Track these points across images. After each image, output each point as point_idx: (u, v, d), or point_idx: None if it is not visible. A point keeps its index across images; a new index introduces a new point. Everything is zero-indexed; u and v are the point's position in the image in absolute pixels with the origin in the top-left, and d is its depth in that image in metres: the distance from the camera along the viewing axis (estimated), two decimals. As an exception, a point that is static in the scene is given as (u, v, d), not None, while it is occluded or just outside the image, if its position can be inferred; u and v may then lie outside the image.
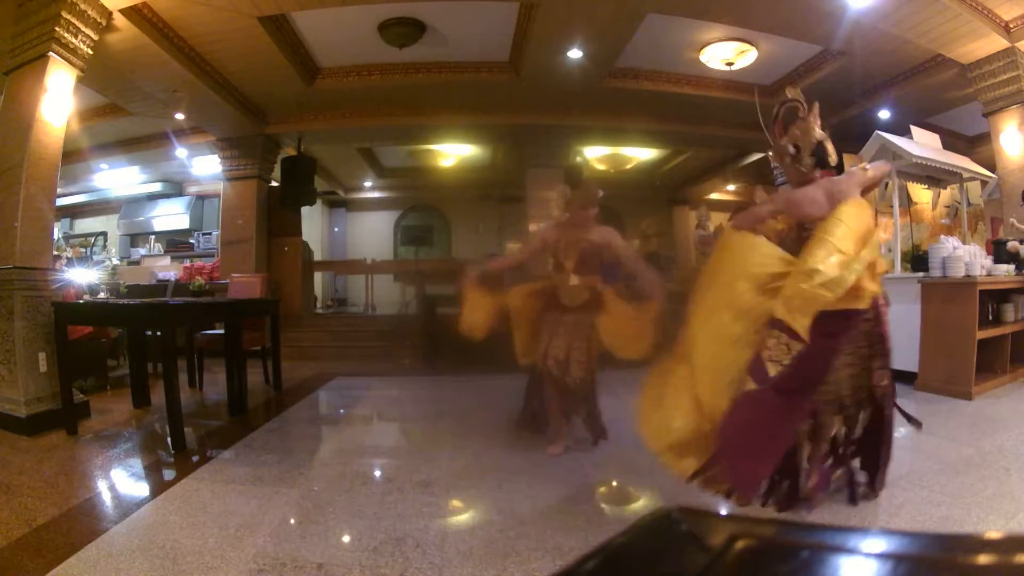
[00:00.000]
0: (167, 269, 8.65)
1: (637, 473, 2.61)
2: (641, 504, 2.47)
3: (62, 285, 3.99)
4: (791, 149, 2.27)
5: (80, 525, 2.09)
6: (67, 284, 4.36)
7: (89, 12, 3.85)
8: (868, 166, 2.39)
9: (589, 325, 2.98)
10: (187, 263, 8.71)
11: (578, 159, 3.18)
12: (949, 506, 2.16)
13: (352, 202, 11.69)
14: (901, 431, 3.43)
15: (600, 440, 3.07)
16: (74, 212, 10.19)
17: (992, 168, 5.22)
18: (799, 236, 2.19)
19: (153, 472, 2.81)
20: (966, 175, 5.06)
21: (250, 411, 3.97)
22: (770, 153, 2.74)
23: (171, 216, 9.70)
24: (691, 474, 2.08)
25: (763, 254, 2.06)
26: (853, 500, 2.21)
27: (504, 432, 3.38)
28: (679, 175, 10.39)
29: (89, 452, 3.04)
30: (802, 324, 1.89)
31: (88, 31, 3.88)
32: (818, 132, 2.28)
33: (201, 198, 9.75)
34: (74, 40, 3.78)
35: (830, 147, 2.28)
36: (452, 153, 9.05)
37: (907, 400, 3.94)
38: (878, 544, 0.34)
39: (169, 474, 2.73)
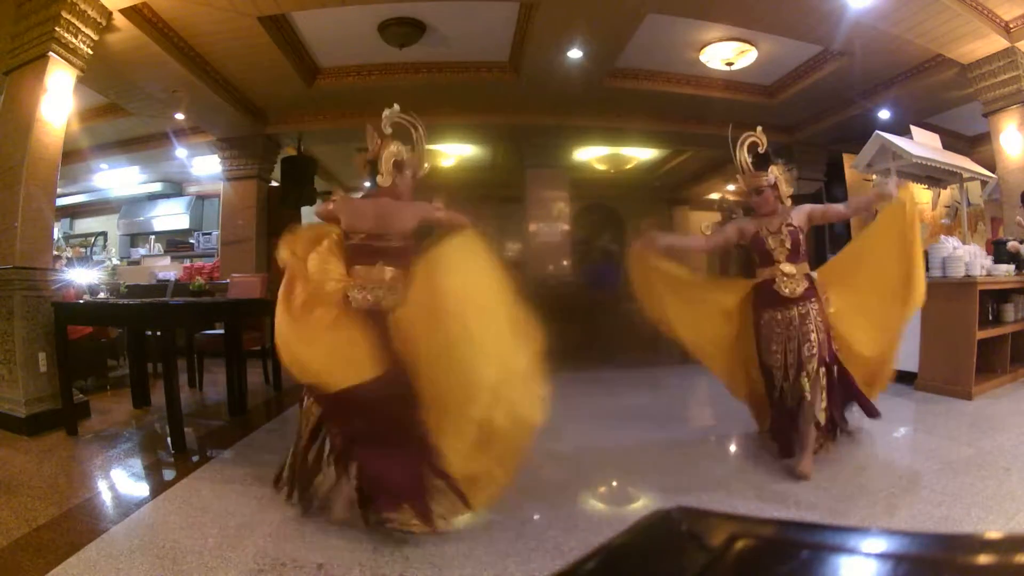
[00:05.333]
0: (167, 269, 8.64)
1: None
2: (641, 504, 2.47)
3: (62, 285, 3.99)
4: None
5: (80, 525, 2.09)
6: (67, 284, 4.36)
7: (89, 12, 3.84)
8: None
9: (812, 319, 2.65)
10: (187, 263, 8.70)
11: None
12: (949, 506, 2.15)
13: (352, 202, 11.67)
14: (900, 430, 3.45)
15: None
16: (74, 212, 10.18)
17: (992, 168, 5.21)
18: None
19: (153, 472, 2.81)
20: (966, 175, 5.07)
21: (250, 411, 3.97)
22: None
23: (171, 216, 9.69)
24: None
25: None
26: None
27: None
28: (679, 175, 10.39)
29: (89, 452, 3.04)
30: None
31: (88, 31, 3.88)
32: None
33: (201, 198, 9.74)
34: (74, 40, 3.78)
35: None
36: (452, 153, 9.04)
37: (907, 400, 3.96)
38: (878, 544, 0.34)
39: (169, 474, 2.73)
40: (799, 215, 2.81)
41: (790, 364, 2.63)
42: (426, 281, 2.09)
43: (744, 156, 2.92)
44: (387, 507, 1.94)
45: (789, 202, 2.85)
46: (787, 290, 2.70)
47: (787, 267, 2.72)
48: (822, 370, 2.60)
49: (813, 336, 2.61)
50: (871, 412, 2.79)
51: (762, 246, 2.78)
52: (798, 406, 2.62)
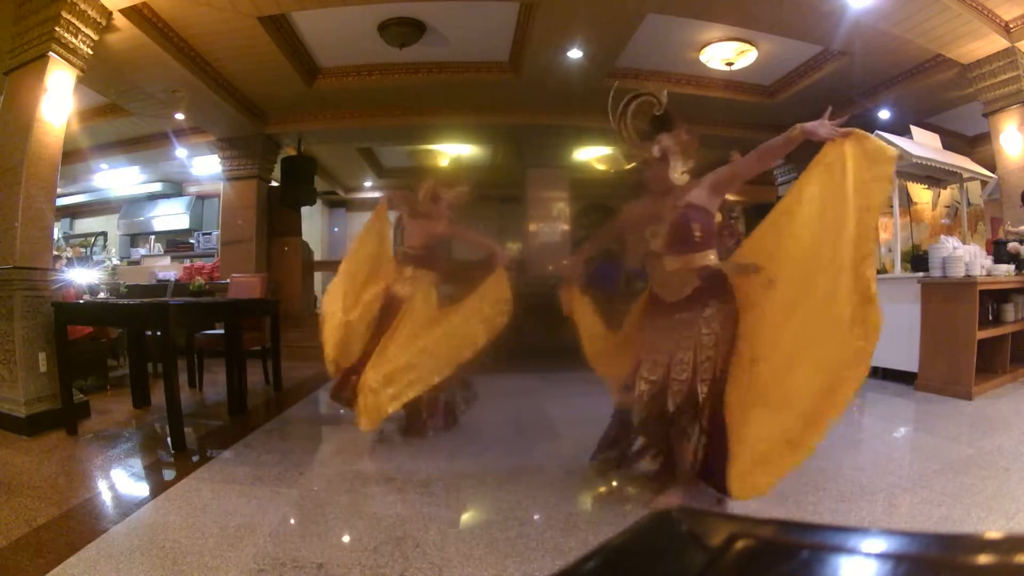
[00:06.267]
0: (167, 269, 8.65)
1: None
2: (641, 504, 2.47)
3: (62, 285, 3.99)
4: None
5: (80, 525, 2.09)
6: (67, 284, 4.36)
7: (89, 12, 3.85)
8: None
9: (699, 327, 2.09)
10: (187, 263, 8.70)
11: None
12: (949, 506, 2.15)
13: (352, 202, 11.69)
14: (901, 430, 3.45)
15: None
16: (74, 212, 10.19)
17: (992, 168, 5.22)
18: None
19: (153, 472, 2.81)
20: (966, 175, 5.06)
21: (250, 411, 3.97)
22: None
23: (171, 216, 9.70)
24: None
25: None
26: None
27: (502, 432, 3.38)
28: (679, 175, 10.38)
29: (89, 452, 3.04)
30: None
31: (88, 31, 3.88)
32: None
33: (201, 198, 9.75)
34: (74, 40, 3.78)
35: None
36: (452, 153, 9.04)
37: (907, 400, 3.96)
38: (878, 544, 0.34)
39: (169, 474, 2.73)
40: (699, 191, 2.20)
41: (670, 378, 2.08)
42: (422, 301, 3.31)
43: (626, 120, 2.29)
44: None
45: (686, 177, 2.24)
46: (666, 293, 2.18)
47: (669, 262, 2.16)
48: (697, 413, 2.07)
49: (688, 356, 2.06)
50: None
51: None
52: (663, 424, 2.17)
